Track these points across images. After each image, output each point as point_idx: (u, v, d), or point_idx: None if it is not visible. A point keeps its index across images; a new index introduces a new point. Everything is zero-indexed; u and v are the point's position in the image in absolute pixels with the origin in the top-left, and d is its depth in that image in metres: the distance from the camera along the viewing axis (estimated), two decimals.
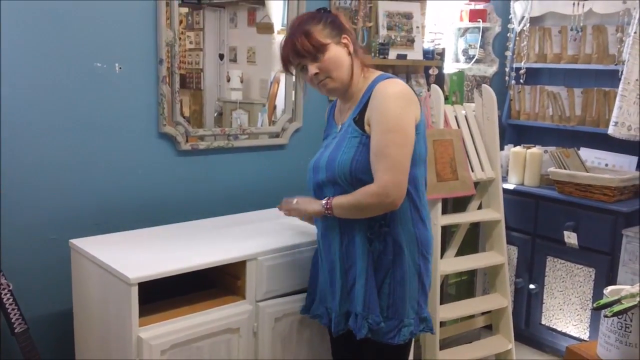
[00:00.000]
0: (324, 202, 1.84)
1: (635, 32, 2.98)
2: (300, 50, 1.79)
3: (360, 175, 1.77)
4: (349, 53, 1.84)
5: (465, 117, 2.94)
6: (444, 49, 3.36)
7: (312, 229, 2.12)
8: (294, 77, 2.74)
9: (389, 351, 1.88)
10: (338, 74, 1.82)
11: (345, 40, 1.83)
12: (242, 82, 2.72)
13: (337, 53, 1.81)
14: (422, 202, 1.88)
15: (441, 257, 2.80)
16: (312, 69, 1.80)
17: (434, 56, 3.22)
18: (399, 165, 1.73)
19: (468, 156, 2.85)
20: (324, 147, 1.94)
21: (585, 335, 3.08)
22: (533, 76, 3.66)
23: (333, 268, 1.91)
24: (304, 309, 2.10)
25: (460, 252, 3.02)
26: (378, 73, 1.89)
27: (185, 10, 2.52)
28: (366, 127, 1.80)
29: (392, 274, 1.83)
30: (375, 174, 1.74)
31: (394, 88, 1.78)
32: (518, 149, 3.36)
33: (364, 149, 1.78)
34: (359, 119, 1.82)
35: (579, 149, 3.34)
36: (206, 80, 2.66)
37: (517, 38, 3.64)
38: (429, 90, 2.91)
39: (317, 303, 2.03)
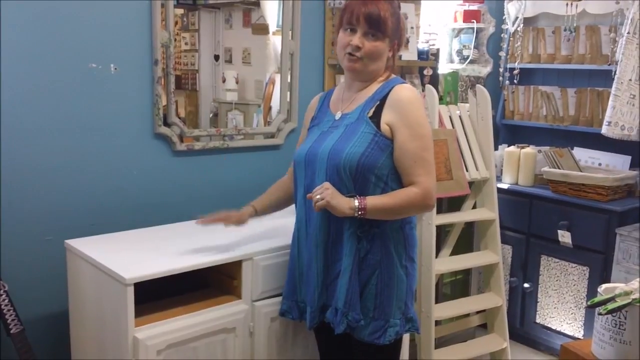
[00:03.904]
0: (356, 203, 1.75)
1: (628, 32, 2.99)
2: (369, 10, 1.78)
3: (366, 171, 1.78)
4: (389, 57, 1.89)
5: (460, 117, 2.95)
6: (438, 50, 3.37)
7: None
8: (289, 78, 2.78)
9: (379, 351, 1.87)
10: (371, 63, 1.85)
11: (395, 46, 1.88)
12: (237, 83, 2.72)
13: (383, 50, 1.85)
14: None
15: (436, 257, 2.81)
16: (358, 40, 1.81)
17: (428, 57, 3.23)
18: (434, 168, 1.83)
19: (462, 156, 2.87)
20: (317, 135, 1.91)
21: (579, 333, 3.10)
22: (527, 76, 3.68)
23: (311, 260, 1.88)
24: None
25: (455, 252, 3.03)
26: (393, 76, 1.93)
27: (180, 11, 2.52)
28: (382, 126, 1.81)
29: (380, 275, 1.83)
30: (414, 177, 1.79)
31: (414, 93, 1.85)
32: (512, 148, 3.38)
33: (376, 147, 1.79)
34: (375, 117, 1.83)
35: (572, 149, 3.35)
36: (202, 81, 2.66)
37: (511, 38, 3.65)
38: (423, 90, 2.92)
39: (283, 299, 2.02)
